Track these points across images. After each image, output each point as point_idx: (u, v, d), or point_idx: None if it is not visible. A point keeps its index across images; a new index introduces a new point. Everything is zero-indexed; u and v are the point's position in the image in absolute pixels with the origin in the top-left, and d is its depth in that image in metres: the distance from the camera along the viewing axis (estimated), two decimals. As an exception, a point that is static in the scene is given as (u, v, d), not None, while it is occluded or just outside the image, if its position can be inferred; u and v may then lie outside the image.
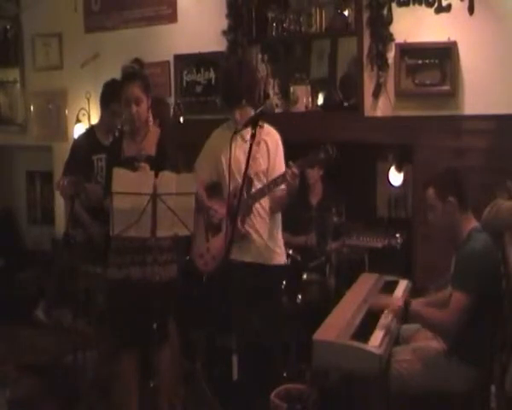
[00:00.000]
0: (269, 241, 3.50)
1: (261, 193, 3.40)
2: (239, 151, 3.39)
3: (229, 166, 3.28)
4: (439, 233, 3.15)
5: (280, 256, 3.57)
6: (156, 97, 4.45)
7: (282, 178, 3.29)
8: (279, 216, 3.59)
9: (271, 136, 3.52)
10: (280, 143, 3.54)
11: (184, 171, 3.33)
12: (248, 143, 3.08)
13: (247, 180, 3.33)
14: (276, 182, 3.34)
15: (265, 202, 3.48)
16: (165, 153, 3.37)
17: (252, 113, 3.36)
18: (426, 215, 3.09)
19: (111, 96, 3.87)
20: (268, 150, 3.48)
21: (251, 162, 3.16)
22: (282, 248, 3.62)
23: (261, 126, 3.46)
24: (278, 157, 3.49)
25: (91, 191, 3.73)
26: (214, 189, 3.60)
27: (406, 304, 2.97)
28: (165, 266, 3.36)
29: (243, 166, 3.22)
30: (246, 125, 3.13)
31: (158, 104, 4.18)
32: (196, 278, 3.73)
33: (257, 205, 3.45)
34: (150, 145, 3.39)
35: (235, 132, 3.17)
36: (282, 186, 3.36)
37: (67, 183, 3.64)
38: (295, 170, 3.23)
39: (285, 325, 3.79)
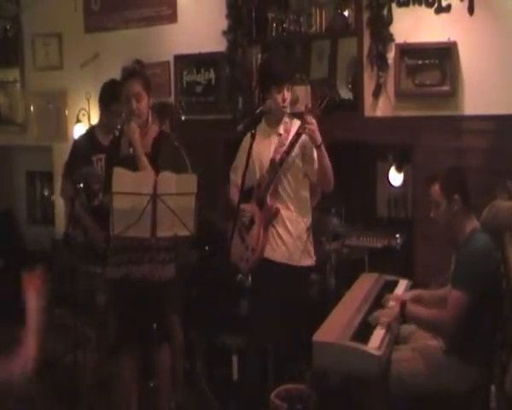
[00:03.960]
0: (297, 240, 3.43)
1: (285, 156, 3.33)
2: (266, 145, 3.41)
3: (261, 161, 3.31)
4: (442, 229, 3.11)
5: (307, 258, 3.50)
6: (161, 101, 4.47)
7: (301, 128, 3.25)
8: (309, 218, 3.54)
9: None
10: None
11: (188, 171, 3.35)
12: (279, 135, 3.33)
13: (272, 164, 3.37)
14: (296, 136, 3.29)
15: (290, 184, 3.43)
16: (159, 150, 3.35)
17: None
18: (432, 211, 3.05)
19: (110, 96, 3.88)
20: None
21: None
22: (311, 249, 3.54)
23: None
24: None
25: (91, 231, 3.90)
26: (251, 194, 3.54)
27: (402, 306, 2.97)
28: (163, 265, 3.35)
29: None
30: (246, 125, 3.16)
31: (164, 107, 4.21)
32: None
33: (284, 185, 3.40)
34: (147, 142, 3.39)
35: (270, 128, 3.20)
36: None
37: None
38: (310, 118, 3.19)
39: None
